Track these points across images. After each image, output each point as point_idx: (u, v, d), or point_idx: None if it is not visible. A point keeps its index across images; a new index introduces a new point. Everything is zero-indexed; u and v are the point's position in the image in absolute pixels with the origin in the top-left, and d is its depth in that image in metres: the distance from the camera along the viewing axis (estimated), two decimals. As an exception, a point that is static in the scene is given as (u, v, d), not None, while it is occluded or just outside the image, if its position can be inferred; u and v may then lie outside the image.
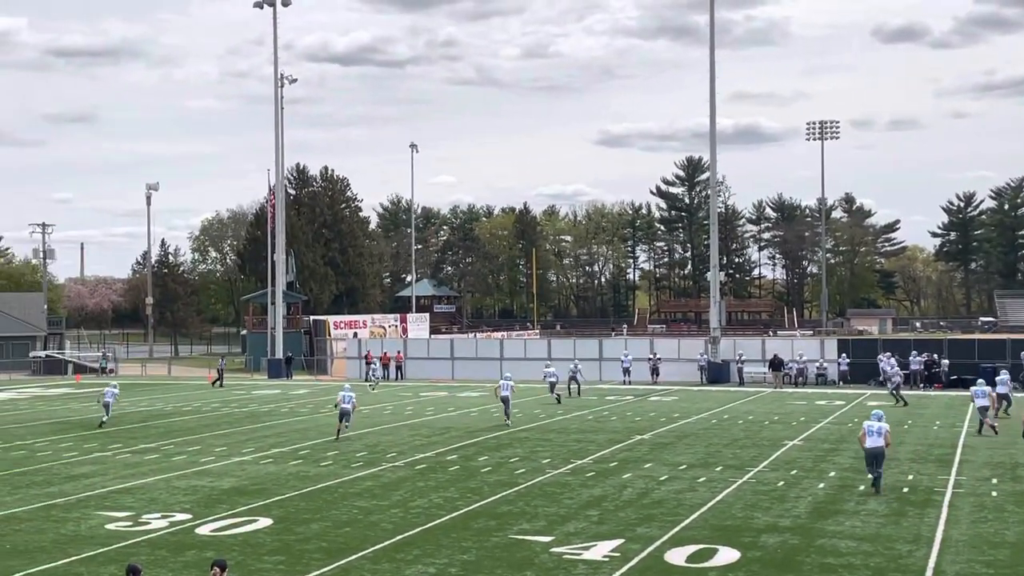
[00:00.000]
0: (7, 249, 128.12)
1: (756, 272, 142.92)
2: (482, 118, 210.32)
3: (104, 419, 34.84)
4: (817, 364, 51.46)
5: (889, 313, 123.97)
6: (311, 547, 16.94)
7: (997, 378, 35.69)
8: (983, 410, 30.45)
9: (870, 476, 21.27)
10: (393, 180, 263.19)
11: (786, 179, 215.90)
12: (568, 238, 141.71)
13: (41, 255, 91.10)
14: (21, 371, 70.10)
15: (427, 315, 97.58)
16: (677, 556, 16.12)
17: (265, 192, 79.40)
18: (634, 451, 27.60)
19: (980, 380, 33.18)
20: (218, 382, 54.23)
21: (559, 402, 40.75)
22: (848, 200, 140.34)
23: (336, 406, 31.26)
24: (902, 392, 40.22)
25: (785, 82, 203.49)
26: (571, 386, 44.38)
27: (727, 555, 16.15)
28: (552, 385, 41.61)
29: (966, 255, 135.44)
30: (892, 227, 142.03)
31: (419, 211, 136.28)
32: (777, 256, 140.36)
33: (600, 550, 16.45)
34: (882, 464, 21.15)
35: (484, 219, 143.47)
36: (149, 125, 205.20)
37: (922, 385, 48.11)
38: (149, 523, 18.87)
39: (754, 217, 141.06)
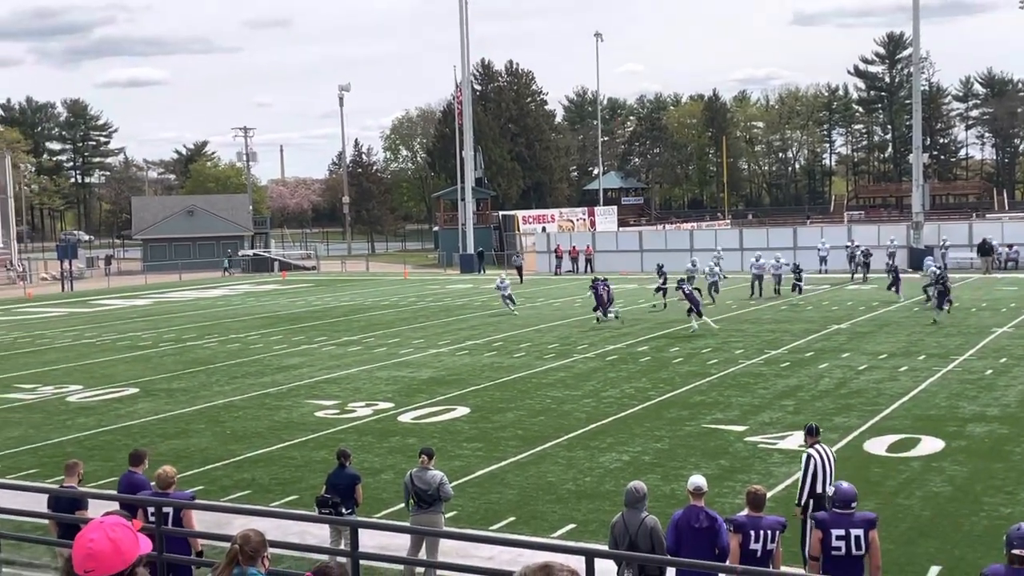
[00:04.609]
0: (213, 153, 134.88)
1: (963, 153, 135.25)
2: (668, 3, 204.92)
3: (512, 309, 35.61)
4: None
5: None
6: (507, 435, 17.40)
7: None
8: None
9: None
10: (578, 71, 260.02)
11: (997, 52, 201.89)
12: (760, 124, 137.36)
13: (244, 158, 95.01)
14: (231, 268, 73.88)
15: (615, 208, 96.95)
16: (877, 446, 15.77)
17: (452, 89, 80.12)
18: (831, 340, 26.97)
19: None
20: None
21: (758, 295, 39.34)
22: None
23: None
24: None
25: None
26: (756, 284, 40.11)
27: (930, 444, 15.69)
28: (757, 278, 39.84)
29: None
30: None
31: (605, 102, 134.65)
32: (986, 135, 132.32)
33: (795, 440, 16.16)
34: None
35: (672, 108, 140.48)
36: (340, 28, 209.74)
37: None
38: (355, 411, 19.79)
39: (961, 94, 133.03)
